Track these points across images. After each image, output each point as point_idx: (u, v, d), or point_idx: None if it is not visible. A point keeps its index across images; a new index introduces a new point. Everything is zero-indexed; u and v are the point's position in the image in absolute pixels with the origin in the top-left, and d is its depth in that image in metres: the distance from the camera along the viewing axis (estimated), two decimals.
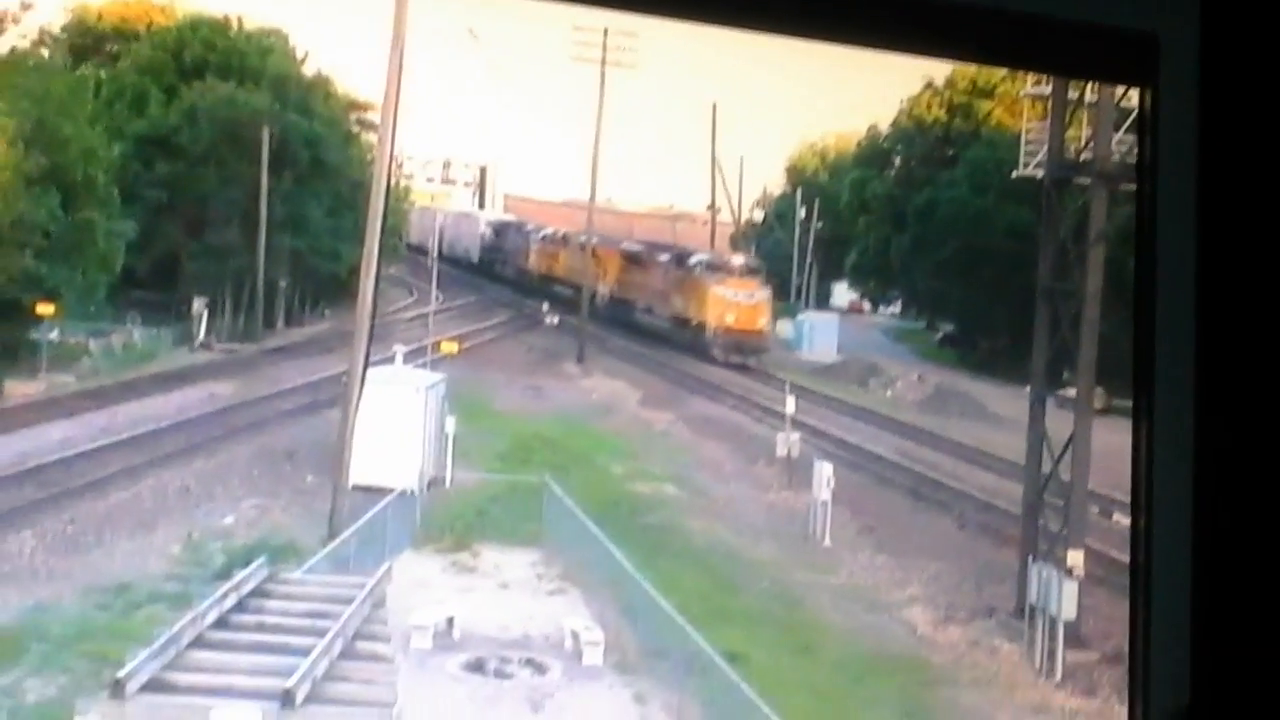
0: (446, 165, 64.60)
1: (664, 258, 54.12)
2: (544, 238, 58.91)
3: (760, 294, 49.23)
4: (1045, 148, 27.48)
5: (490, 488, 30.44)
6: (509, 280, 60.73)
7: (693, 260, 52.26)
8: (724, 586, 26.09)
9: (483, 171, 65.26)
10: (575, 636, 21.79)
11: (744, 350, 47.88)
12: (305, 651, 16.47)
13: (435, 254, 49.35)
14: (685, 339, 49.28)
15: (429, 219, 57.88)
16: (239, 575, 19.78)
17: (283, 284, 46.43)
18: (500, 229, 63.49)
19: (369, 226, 27.86)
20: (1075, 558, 24.14)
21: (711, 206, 58.49)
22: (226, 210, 45.33)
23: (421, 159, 61.78)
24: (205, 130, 45.28)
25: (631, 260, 55.48)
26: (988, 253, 43.80)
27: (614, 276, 55.99)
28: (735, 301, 48.57)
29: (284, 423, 34.52)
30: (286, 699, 15.48)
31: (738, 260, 51.27)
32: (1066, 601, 23.30)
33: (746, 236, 59.15)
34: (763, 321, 48.78)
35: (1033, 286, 27.20)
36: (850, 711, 20.99)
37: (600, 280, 55.91)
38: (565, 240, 58.50)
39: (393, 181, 34.68)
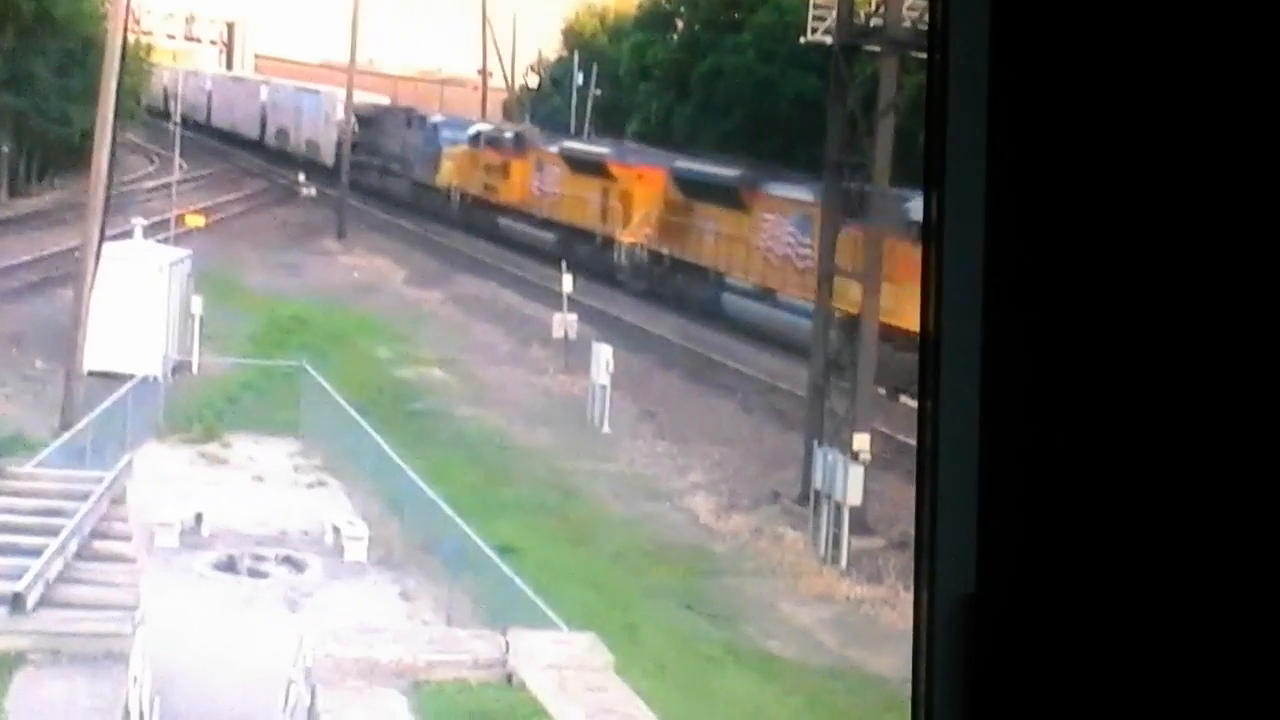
0: (190, 21, 62.55)
1: (799, 195, 31.42)
2: (476, 138, 41.28)
3: None
4: (834, 13, 27.74)
5: (242, 373, 30.01)
6: (402, 201, 45.04)
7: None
8: (496, 476, 26.19)
9: (230, 28, 63.41)
10: (336, 531, 21.72)
11: None
12: (37, 552, 16.10)
13: (178, 117, 47.74)
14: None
15: (231, 89, 53.68)
16: None
17: (6, 149, 44.97)
18: (373, 118, 45.67)
19: (103, 87, 27.05)
20: (861, 441, 24.70)
21: (483, 70, 57.70)
22: None
23: (162, 13, 59.73)
24: None
25: (696, 192, 35.01)
26: (774, 123, 44.22)
27: (651, 216, 36.35)
28: None
29: (10, 302, 33.52)
30: (16, 603, 15.15)
31: None
32: (852, 487, 23.87)
33: (521, 103, 58.68)
34: None
35: (820, 158, 27.54)
36: (629, 603, 21.32)
37: (623, 220, 36.97)
38: (520, 144, 40.54)
39: (130, 38, 33.63)
